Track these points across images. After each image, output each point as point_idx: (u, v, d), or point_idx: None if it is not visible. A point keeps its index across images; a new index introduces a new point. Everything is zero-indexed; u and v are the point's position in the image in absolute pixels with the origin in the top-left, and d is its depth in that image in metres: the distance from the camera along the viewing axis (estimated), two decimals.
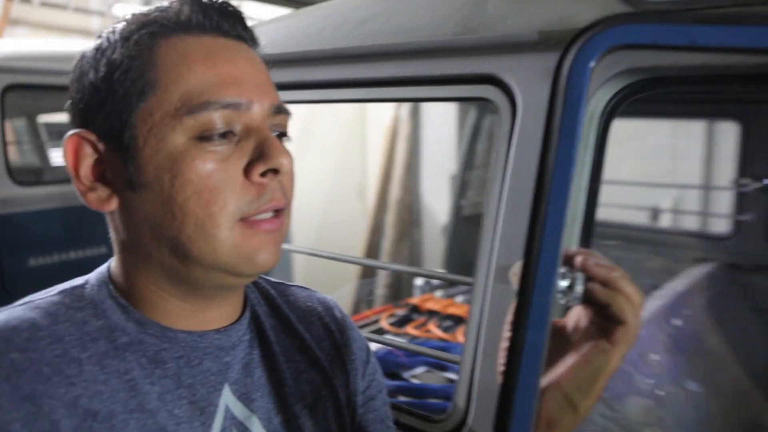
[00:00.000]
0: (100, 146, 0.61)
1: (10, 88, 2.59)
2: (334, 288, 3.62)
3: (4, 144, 2.56)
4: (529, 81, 0.80)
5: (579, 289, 0.58)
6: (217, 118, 0.59)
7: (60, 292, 0.65)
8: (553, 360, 0.62)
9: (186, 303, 0.65)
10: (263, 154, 0.60)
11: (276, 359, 0.72)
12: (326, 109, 3.80)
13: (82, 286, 0.65)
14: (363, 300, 3.20)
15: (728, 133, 2.52)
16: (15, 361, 0.56)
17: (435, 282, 2.39)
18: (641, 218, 2.59)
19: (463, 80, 0.87)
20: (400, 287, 3.29)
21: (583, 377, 0.57)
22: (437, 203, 3.73)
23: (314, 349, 0.77)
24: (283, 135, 0.66)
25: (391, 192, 3.78)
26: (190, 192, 0.58)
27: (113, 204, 0.62)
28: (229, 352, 0.67)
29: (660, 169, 2.95)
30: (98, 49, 0.62)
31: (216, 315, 0.67)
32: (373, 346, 1.60)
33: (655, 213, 2.68)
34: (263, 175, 0.61)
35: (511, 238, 0.80)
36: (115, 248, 0.67)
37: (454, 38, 0.86)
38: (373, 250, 3.85)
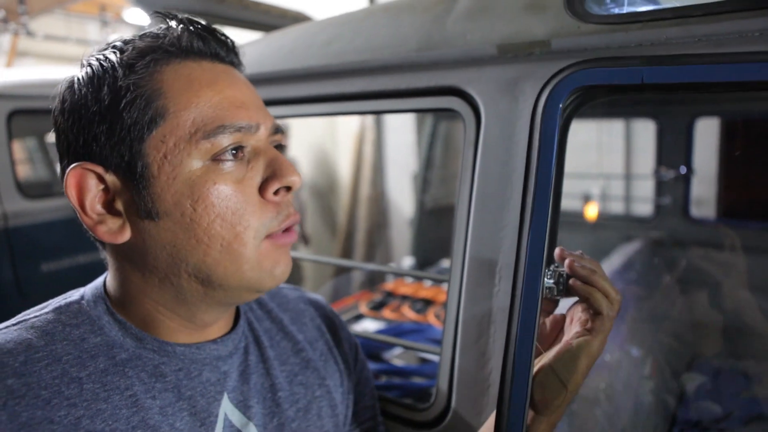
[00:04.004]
0: (108, 177, 0.52)
1: (16, 113, 2.47)
2: (315, 278, 3.54)
3: (12, 163, 2.44)
4: (490, 91, 0.73)
5: (563, 285, 0.58)
6: (231, 141, 0.52)
7: (55, 309, 0.56)
8: (550, 346, 0.61)
9: (191, 322, 0.57)
10: (276, 173, 0.54)
11: (270, 364, 0.64)
12: (300, 120, 3.72)
13: (77, 302, 0.57)
14: (342, 288, 3.13)
15: (645, 129, 2.52)
16: (12, 387, 0.48)
17: (405, 268, 2.33)
18: (576, 205, 2.57)
19: (428, 93, 0.80)
20: (374, 274, 3.23)
21: (567, 358, 0.55)
22: (402, 199, 3.69)
23: (308, 350, 0.69)
24: (281, 148, 0.59)
25: (362, 190, 3.73)
26: (214, 215, 0.51)
27: (126, 234, 0.53)
28: (227, 361, 0.59)
29: (588, 161, 2.94)
30: (93, 78, 0.52)
31: (215, 327, 0.59)
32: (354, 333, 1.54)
33: (587, 199, 2.68)
34: (276, 192, 0.54)
35: (482, 237, 0.73)
36: (115, 272, 0.57)
37: (418, 54, 0.79)
38: (348, 241, 3.79)
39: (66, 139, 0.53)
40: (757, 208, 1.99)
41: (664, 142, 2.11)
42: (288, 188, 0.55)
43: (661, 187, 2.07)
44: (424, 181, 2.60)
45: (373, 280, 3.06)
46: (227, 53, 0.57)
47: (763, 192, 1.98)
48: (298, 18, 1.76)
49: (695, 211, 2.08)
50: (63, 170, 0.54)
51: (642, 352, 1.51)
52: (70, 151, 0.53)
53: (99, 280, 0.59)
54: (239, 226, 0.52)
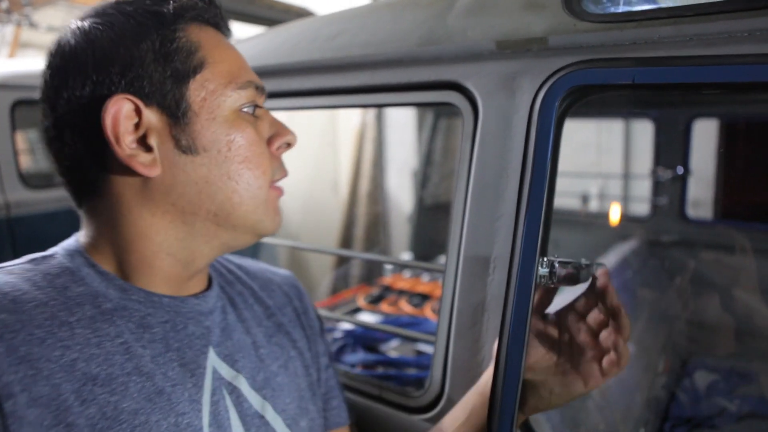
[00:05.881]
0: (147, 112, 0.54)
1: (19, 103, 2.48)
2: (315, 271, 3.56)
3: (15, 153, 2.46)
4: (488, 86, 0.76)
5: (558, 273, 0.61)
6: (254, 96, 0.59)
7: (31, 261, 0.56)
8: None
9: (185, 268, 0.59)
10: (279, 131, 0.61)
11: (248, 323, 0.66)
12: (301, 116, 3.74)
13: (51, 256, 0.57)
14: (341, 281, 3.15)
15: (644, 130, 2.54)
16: (6, 321, 0.47)
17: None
18: (574, 204, 2.60)
19: (428, 87, 0.82)
20: (372, 268, 3.25)
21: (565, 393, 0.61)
22: (402, 195, 3.71)
23: (278, 315, 0.71)
24: None
25: (361, 187, 3.75)
26: (243, 156, 0.56)
27: (157, 170, 0.54)
28: (208, 316, 0.61)
29: (587, 161, 2.97)
30: (140, 23, 0.54)
31: (195, 281, 0.61)
32: (352, 325, 1.56)
33: (585, 199, 2.70)
34: (278, 148, 0.61)
35: (478, 228, 0.75)
36: (107, 220, 0.56)
37: (419, 49, 0.81)
38: (347, 237, 3.81)
39: (98, 69, 0.53)
40: (753, 210, 2.02)
41: (662, 143, 2.14)
42: (288, 144, 0.62)
43: (658, 187, 2.09)
44: (423, 178, 2.63)
45: (371, 275, 3.08)
46: (225, 24, 0.63)
47: (760, 194, 2.00)
48: (301, 13, 1.78)
49: (692, 212, 2.11)
50: (82, 104, 0.53)
51: (635, 349, 1.54)
52: (99, 85, 0.53)
53: (69, 240, 0.59)
54: (259, 170, 0.58)
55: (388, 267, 2.37)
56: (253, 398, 0.61)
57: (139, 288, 0.56)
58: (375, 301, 1.99)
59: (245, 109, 0.58)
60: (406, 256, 2.87)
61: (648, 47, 0.65)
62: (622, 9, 0.70)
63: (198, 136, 0.55)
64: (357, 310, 1.91)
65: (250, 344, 0.64)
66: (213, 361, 0.59)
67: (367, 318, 1.82)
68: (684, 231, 2.03)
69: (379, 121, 3.73)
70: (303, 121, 3.82)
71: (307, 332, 0.74)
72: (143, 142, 0.54)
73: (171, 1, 0.57)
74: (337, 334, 1.55)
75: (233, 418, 0.59)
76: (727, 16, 0.60)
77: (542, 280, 0.62)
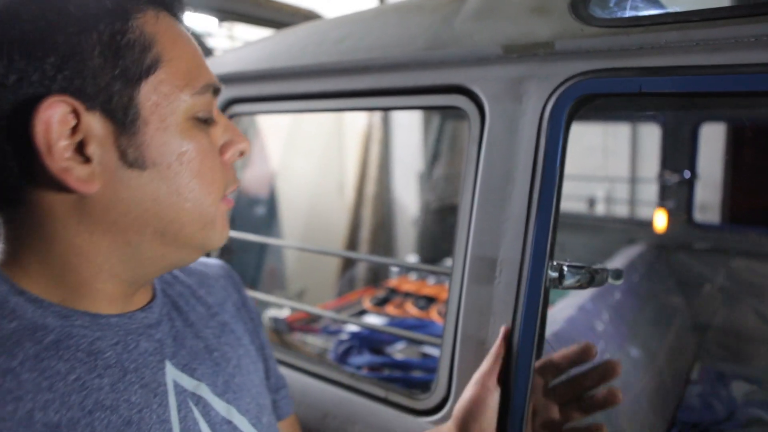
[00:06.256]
0: (88, 118, 0.45)
1: None
2: (321, 273, 3.57)
3: None
4: (495, 90, 0.76)
5: (568, 278, 0.63)
6: (211, 101, 0.52)
7: None
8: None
9: (129, 286, 0.53)
10: (234, 138, 0.55)
11: (196, 327, 0.62)
12: (308, 118, 3.75)
13: None
14: (347, 283, 3.16)
15: (651, 134, 2.54)
16: None
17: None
18: (580, 207, 2.60)
19: (434, 90, 0.83)
20: (378, 271, 3.25)
21: None
22: (408, 198, 3.72)
23: (221, 313, 0.67)
24: None
25: (367, 189, 3.75)
26: (195, 171, 0.50)
27: (95, 185, 0.46)
28: (158, 328, 0.56)
29: (594, 164, 2.96)
30: (85, 8, 0.45)
31: (141, 295, 0.56)
32: (358, 327, 1.57)
33: (592, 202, 2.70)
34: (230, 156, 0.55)
35: (484, 231, 0.76)
36: (32, 240, 0.48)
37: (426, 52, 0.82)
38: (353, 239, 3.81)
39: (27, 57, 0.43)
40: (760, 214, 2.01)
41: (669, 147, 2.13)
42: (241, 153, 0.56)
43: (665, 191, 2.09)
44: (429, 181, 2.63)
45: (377, 277, 3.09)
46: (181, 8, 0.53)
47: (767, 198, 1.99)
48: (309, 16, 1.80)
49: (699, 216, 2.10)
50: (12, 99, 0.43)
51: (642, 354, 1.53)
52: (27, 77, 0.43)
53: None
54: (213, 186, 0.52)
55: (394, 269, 2.38)
56: (218, 404, 0.58)
57: (82, 311, 0.49)
58: (381, 303, 1.99)
59: (200, 115, 0.51)
60: (412, 258, 2.88)
61: (655, 52, 0.65)
62: (629, 14, 0.70)
63: (147, 147, 0.47)
64: (363, 312, 1.92)
65: (203, 348, 0.60)
66: (172, 374, 0.55)
67: (373, 320, 1.83)
68: (690, 235, 2.02)
69: (386, 124, 3.74)
70: (310, 125, 3.83)
71: (248, 326, 0.71)
72: (80, 151, 0.45)
73: None
74: (343, 336, 1.56)
75: (204, 429, 0.55)
76: (734, 21, 0.60)
77: (551, 283, 0.62)
